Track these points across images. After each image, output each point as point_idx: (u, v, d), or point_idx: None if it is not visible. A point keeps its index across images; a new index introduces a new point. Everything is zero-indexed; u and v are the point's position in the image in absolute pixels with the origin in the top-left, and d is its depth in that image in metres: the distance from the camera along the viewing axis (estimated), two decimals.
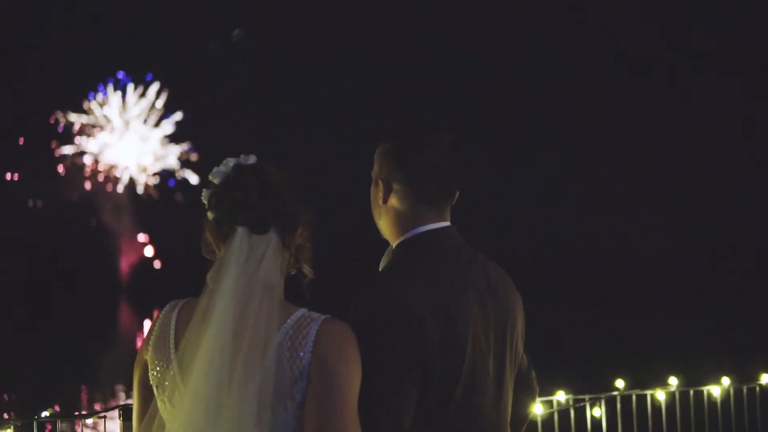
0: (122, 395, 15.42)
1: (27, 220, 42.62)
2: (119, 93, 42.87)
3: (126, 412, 4.93)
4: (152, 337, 2.40)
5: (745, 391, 6.22)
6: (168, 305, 2.43)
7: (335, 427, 2.22)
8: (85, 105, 42.70)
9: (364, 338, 2.36)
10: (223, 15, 48.79)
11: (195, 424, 2.24)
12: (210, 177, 2.43)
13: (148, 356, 2.40)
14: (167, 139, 43.52)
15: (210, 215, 2.40)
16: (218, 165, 2.46)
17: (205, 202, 2.42)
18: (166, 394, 2.33)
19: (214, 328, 2.25)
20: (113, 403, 13.49)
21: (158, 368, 2.36)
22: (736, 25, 50.33)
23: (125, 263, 43.40)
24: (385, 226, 2.71)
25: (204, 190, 2.43)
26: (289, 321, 2.30)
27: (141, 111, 43.03)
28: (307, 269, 2.46)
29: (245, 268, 2.30)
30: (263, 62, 49.60)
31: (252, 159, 2.45)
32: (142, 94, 42.89)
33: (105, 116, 42.64)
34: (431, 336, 2.46)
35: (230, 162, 2.43)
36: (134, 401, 2.46)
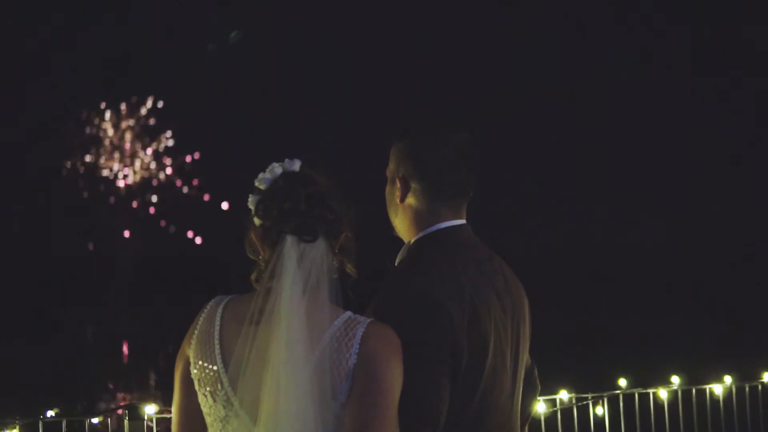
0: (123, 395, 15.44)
1: (29, 223, 42.65)
2: (117, 103, 42.77)
3: (131, 412, 4.95)
4: (196, 332, 2.43)
5: (747, 389, 6.23)
6: (213, 300, 2.46)
7: (376, 428, 2.25)
8: (83, 116, 42.62)
9: (398, 334, 2.37)
10: (222, 17, 48.78)
11: (257, 423, 2.28)
12: (256, 183, 2.45)
13: (191, 351, 2.42)
14: (165, 148, 43.44)
15: (257, 221, 2.43)
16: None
17: (252, 208, 2.44)
18: (209, 389, 2.36)
19: (275, 332, 2.30)
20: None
21: (201, 363, 2.39)
22: (739, 23, 50.30)
23: (125, 265, 43.39)
24: (401, 224, 2.72)
25: (250, 195, 2.45)
26: (335, 323, 2.33)
27: (136, 122, 42.93)
28: (350, 269, 2.48)
29: (297, 274, 2.34)
30: (263, 63, 49.58)
31: (297, 165, 2.46)
32: (138, 104, 42.78)
33: (102, 128, 42.58)
34: (461, 330, 2.48)
35: (276, 168, 2.45)
36: (175, 395, 2.48)
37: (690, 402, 5.98)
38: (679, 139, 51.38)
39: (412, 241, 2.68)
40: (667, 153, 51.21)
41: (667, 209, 48.68)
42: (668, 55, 51.53)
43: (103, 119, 42.58)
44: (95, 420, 4.97)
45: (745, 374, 6.35)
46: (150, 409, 4.96)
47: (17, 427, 4.75)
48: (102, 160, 42.75)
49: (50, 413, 4.98)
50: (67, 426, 4.94)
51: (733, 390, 6.12)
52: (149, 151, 43.17)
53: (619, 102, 51.34)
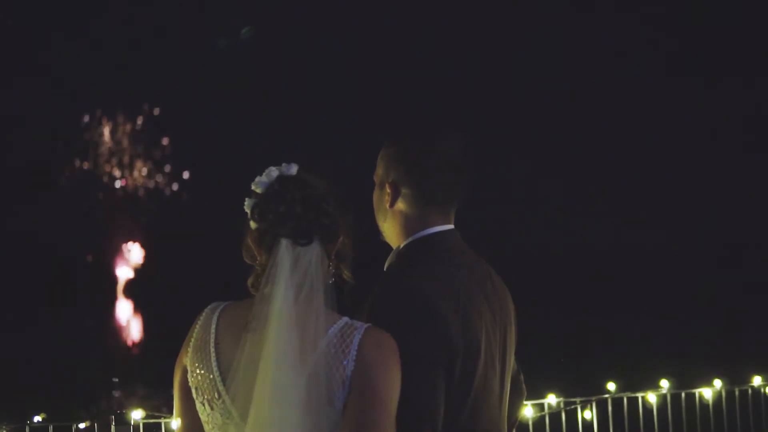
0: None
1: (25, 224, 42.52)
2: (115, 109, 42.64)
3: (118, 417, 4.96)
4: (192, 340, 2.43)
5: (736, 393, 6.23)
6: (209, 307, 2.46)
7: None
8: (82, 122, 42.52)
9: (393, 337, 2.35)
10: (222, 18, 48.69)
11: (247, 428, 2.28)
12: (252, 186, 2.45)
13: (188, 358, 2.42)
14: (163, 155, 43.36)
15: (253, 225, 2.43)
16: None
17: (248, 212, 2.44)
18: (206, 397, 2.37)
19: (267, 339, 2.29)
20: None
21: (197, 371, 2.39)
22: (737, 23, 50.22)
23: (120, 268, 43.32)
24: (390, 229, 2.69)
25: (246, 199, 2.45)
26: (332, 329, 2.32)
27: (133, 129, 42.84)
28: (346, 274, 2.47)
29: (291, 279, 2.33)
30: (262, 63, 49.56)
31: (293, 169, 2.46)
32: (136, 111, 42.64)
33: (99, 133, 42.49)
34: (455, 333, 2.47)
35: (273, 172, 2.45)
36: (175, 403, 2.49)
37: (679, 406, 5.98)
38: (679, 139, 51.32)
39: (402, 245, 2.67)
40: (667, 153, 51.14)
41: (667, 209, 48.62)
42: (668, 55, 51.50)
43: (101, 125, 42.66)
44: (82, 425, 4.97)
45: (735, 378, 6.34)
46: (137, 415, 4.98)
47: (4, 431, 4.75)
48: (101, 167, 42.76)
49: (37, 418, 4.99)
50: (54, 431, 4.95)
51: (723, 394, 6.12)
52: (147, 157, 43.18)
53: (619, 102, 51.28)
